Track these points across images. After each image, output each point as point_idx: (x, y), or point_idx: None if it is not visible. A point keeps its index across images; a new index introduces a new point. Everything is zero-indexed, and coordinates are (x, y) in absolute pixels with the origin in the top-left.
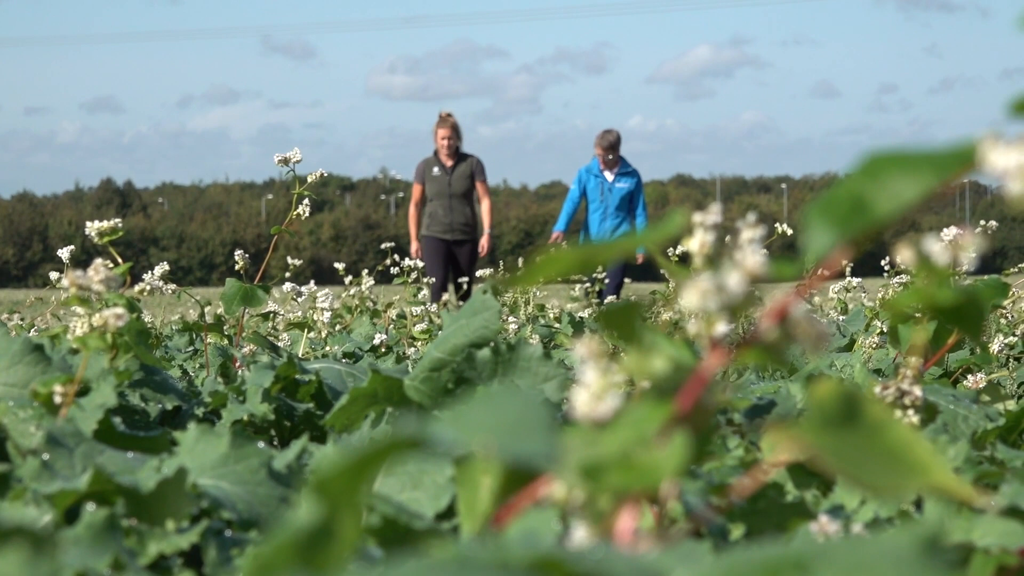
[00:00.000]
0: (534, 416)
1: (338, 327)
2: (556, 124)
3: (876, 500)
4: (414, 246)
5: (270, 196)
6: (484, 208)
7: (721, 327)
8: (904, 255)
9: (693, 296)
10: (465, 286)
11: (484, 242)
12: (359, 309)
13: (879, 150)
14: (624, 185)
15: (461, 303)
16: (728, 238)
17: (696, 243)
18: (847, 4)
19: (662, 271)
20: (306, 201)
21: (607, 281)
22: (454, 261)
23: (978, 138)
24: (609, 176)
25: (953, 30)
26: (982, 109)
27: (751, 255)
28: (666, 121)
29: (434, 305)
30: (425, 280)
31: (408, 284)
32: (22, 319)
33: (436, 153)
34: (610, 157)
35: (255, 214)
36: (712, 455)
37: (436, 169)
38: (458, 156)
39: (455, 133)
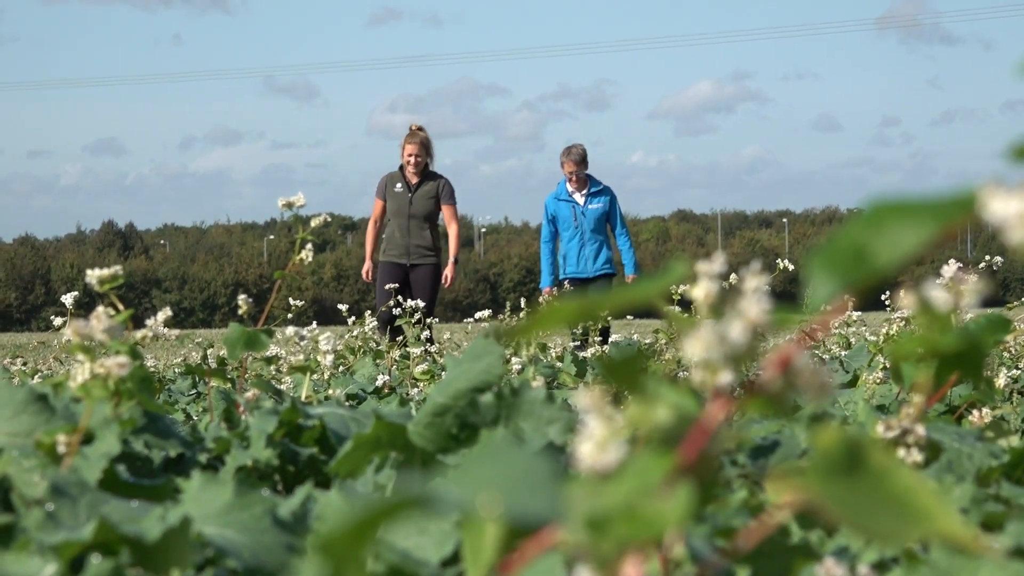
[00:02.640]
0: (538, 470)
1: (341, 368)
2: (558, 161)
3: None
4: (366, 265)
5: (271, 236)
6: (451, 234)
7: (724, 376)
8: (906, 300)
9: (696, 346)
10: (422, 315)
11: (448, 271)
12: (362, 350)
13: (880, 198)
14: (598, 205)
15: (424, 333)
16: (733, 277)
17: (701, 292)
18: (849, 38)
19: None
20: (309, 246)
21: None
22: (410, 286)
23: (979, 185)
24: (580, 199)
25: (955, 63)
26: (984, 141)
27: (753, 305)
28: (667, 156)
29: (383, 336)
30: (430, 322)
31: (411, 325)
32: (25, 363)
33: (402, 169)
34: (580, 175)
35: (257, 255)
36: (716, 498)
37: (399, 186)
38: (424, 175)
39: (424, 149)
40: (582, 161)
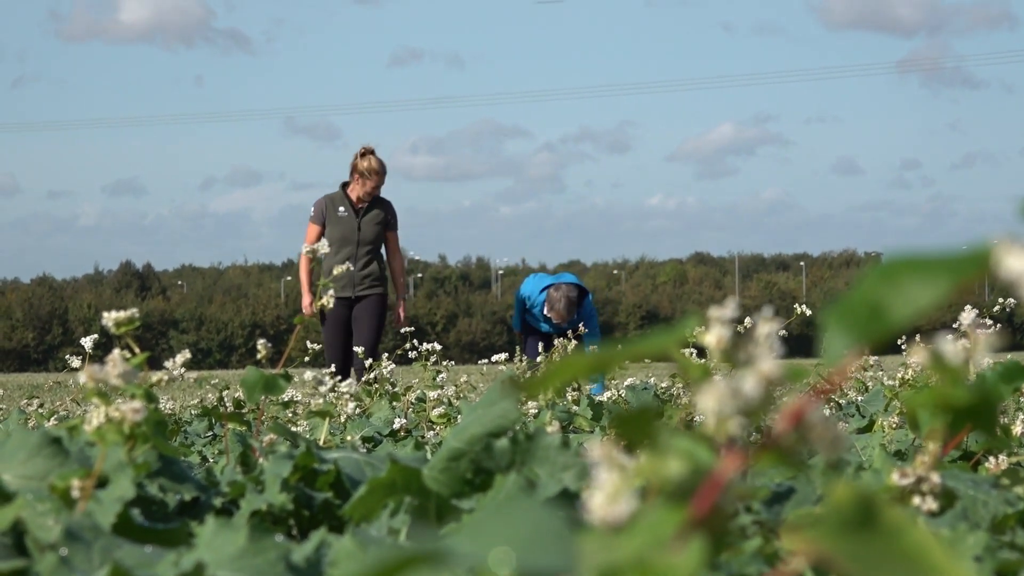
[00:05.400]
0: (551, 522)
1: (357, 410)
2: (577, 203)
3: None
4: (306, 299)
5: (289, 278)
6: (398, 267)
7: (737, 429)
8: (919, 354)
9: (709, 399)
10: (366, 351)
11: (402, 311)
12: (378, 392)
13: (895, 253)
14: (572, 323)
15: (365, 373)
16: (748, 321)
17: (713, 338)
18: (871, 81)
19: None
20: (331, 291)
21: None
22: (353, 320)
23: (993, 240)
24: (557, 321)
25: (977, 106)
26: (1004, 184)
27: (767, 358)
28: (687, 199)
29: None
30: (447, 365)
31: (427, 367)
32: (41, 404)
33: (344, 189)
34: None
35: (274, 296)
36: (730, 546)
37: (343, 209)
38: (372, 198)
39: (382, 176)
40: (568, 314)
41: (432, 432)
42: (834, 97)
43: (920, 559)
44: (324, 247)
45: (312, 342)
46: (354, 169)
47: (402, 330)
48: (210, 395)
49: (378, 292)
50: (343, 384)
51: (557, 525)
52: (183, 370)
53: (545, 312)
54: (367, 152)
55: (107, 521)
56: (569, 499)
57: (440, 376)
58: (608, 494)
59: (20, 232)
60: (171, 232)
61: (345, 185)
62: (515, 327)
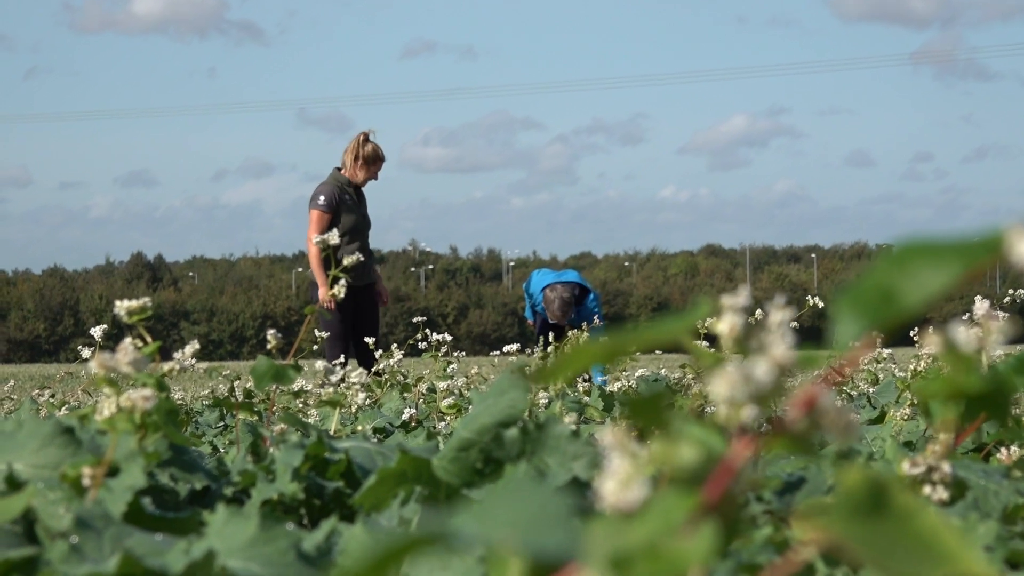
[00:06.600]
0: (557, 507)
1: (368, 401)
2: (590, 195)
3: None
4: (324, 291)
5: (300, 269)
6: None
7: (749, 415)
8: (931, 341)
9: (721, 386)
10: (373, 343)
11: (383, 288)
12: (389, 383)
13: (907, 238)
14: (573, 321)
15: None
16: (760, 312)
17: (725, 326)
18: (884, 74)
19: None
20: (342, 282)
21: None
22: (359, 309)
23: (1005, 226)
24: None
25: (991, 98)
26: (1017, 177)
27: (780, 345)
28: (699, 191)
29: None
30: (458, 356)
31: (438, 358)
32: (53, 395)
33: (342, 174)
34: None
35: (285, 287)
36: (742, 534)
37: (348, 197)
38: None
39: (383, 160)
40: (564, 315)
41: (443, 423)
42: (847, 89)
43: (931, 543)
44: (335, 236)
45: (321, 332)
46: (357, 156)
47: (415, 320)
48: (221, 385)
49: (373, 282)
50: (355, 374)
51: (564, 509)
52: (193, 360)
53: (551, 315)
54: (368, 136)
55: (118, 510)
56: (579, 488)
57: (451, 367)
58: (619, 480)
59: (32, 223)
60: (183, 223)
61: (338, 171)
62: (528, 317)
